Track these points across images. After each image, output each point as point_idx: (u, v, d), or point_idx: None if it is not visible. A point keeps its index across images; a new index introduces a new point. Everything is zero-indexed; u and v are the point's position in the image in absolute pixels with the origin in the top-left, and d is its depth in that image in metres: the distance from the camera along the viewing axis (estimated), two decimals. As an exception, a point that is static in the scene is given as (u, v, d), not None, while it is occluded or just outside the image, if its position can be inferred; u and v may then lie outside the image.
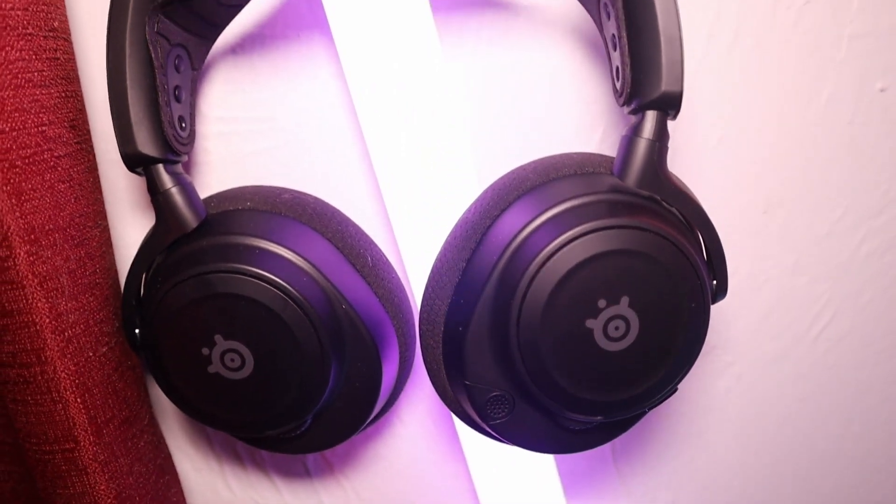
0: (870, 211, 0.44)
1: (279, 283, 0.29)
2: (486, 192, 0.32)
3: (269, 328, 0.30)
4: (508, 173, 0.33)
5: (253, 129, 0.39)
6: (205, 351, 0.30)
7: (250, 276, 0.29)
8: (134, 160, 0.29)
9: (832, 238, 0.44)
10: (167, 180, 0.30)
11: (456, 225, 0.32)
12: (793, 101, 0.41)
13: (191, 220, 0.30)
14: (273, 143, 0.40)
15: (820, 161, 0.42)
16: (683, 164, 0.42)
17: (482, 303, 0.29)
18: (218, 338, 0.30)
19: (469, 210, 0.32)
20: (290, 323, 0.30)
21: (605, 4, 0.29)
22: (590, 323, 0.28)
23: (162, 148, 0.30)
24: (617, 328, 0.28)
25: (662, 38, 0.27)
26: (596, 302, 0.28)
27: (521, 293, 0.28)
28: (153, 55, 0.29)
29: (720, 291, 0.31)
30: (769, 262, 0.44)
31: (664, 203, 0.29)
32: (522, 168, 0.33)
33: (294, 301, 0.29)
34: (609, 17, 0.29)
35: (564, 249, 0.27)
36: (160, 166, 0.30)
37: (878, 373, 0.48)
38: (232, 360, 0.30)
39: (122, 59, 0.29)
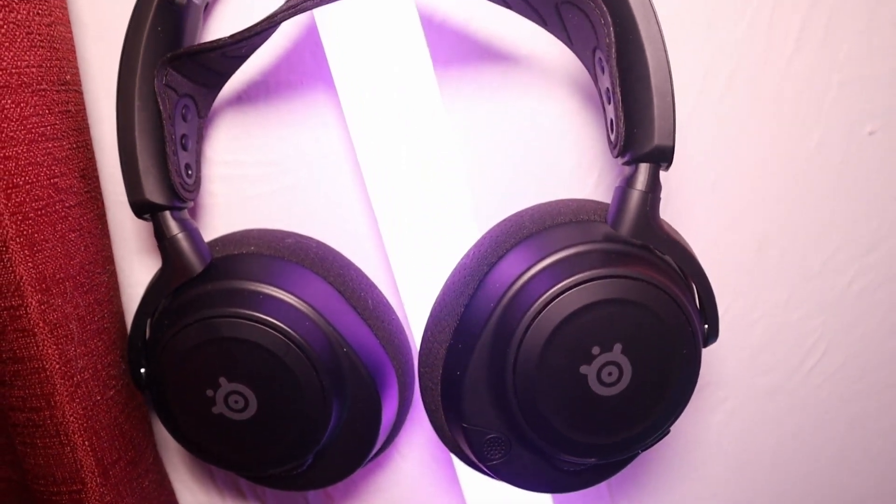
0: (861, 248, 0.45)
1: (281, 328, 0.30)
2: (483, 237, 0.33)
3: (272, 371, 0.30)
4: (505, 219, 0.34)
5: (257, 173, 0.40)
6: (209, 392, 0.31)
7: (253, 320, 0.30)
8: (142, 208, 0.31)
9: (825, 275, 0.45)
10: (173, 226, 0.31)
11: (454, 270, 0.33)
12: (785, 144, 0.42)
13: (196, 264, 0.31)
14: (277, 187, 0.41)
15: (811, 201, 0.43)
16: (680, 205, 0.43)
17: (479, 348, 0.30)
18: (222, 380, 0.31)
19: (467, 255, 0.33)
20: (292, 366, 0.30)
21: (600, 59, 0.30)
22: (584, 369, 0.29)
23: (169, 195, 0.31)
24: (610, 374, 0.29)
25: (654, 94, 0.28)
26: (590, 349, 0.29)
27: (517, 339, 0.29)
28: (161, 107, 0.30)
29: (711, 336, 0.32)
30: (763, 299, 0.45)
31: (657, 252, 0.30)
32: (519, 215, 0.33)
33: (296, 345, 0.30)
34: (603, 72, 0.30)
35: (560, 298, 0.28)
36: (167, 213, 0.31)
37: (870, 406, 0.49)
38: (236, 402, 0.31)
39: (131, 112, 0.30)
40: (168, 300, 0.32)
